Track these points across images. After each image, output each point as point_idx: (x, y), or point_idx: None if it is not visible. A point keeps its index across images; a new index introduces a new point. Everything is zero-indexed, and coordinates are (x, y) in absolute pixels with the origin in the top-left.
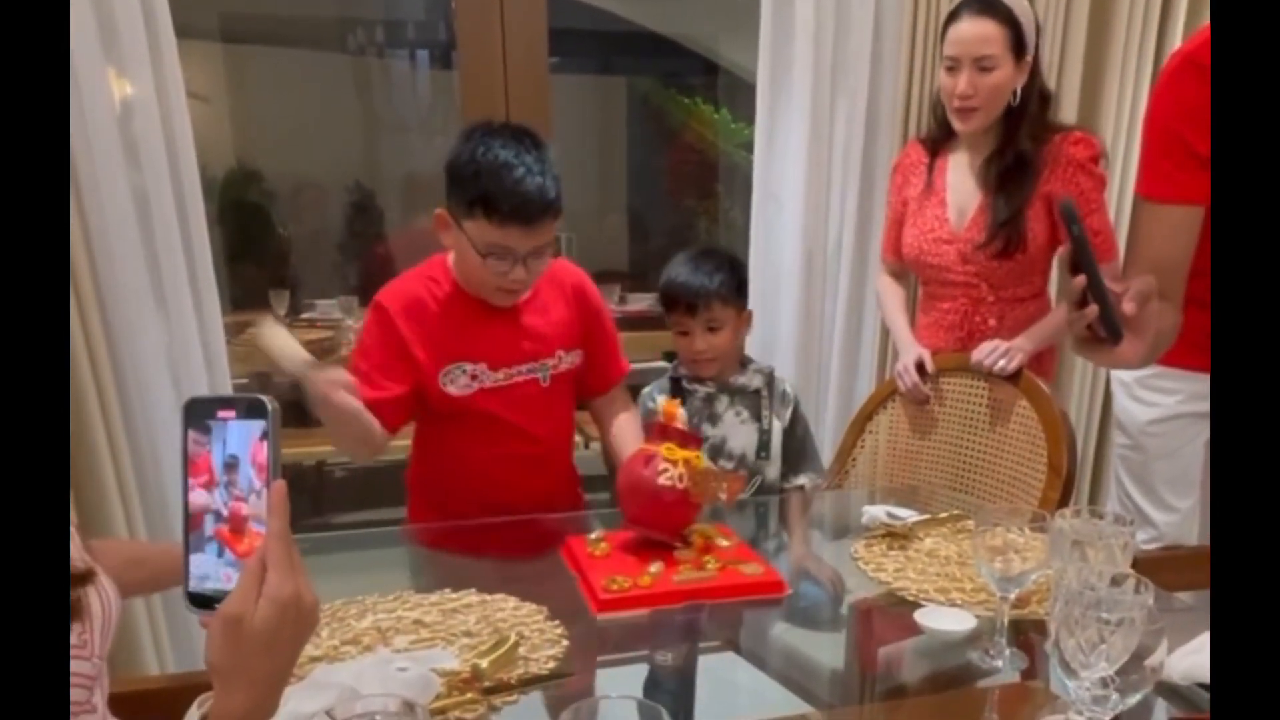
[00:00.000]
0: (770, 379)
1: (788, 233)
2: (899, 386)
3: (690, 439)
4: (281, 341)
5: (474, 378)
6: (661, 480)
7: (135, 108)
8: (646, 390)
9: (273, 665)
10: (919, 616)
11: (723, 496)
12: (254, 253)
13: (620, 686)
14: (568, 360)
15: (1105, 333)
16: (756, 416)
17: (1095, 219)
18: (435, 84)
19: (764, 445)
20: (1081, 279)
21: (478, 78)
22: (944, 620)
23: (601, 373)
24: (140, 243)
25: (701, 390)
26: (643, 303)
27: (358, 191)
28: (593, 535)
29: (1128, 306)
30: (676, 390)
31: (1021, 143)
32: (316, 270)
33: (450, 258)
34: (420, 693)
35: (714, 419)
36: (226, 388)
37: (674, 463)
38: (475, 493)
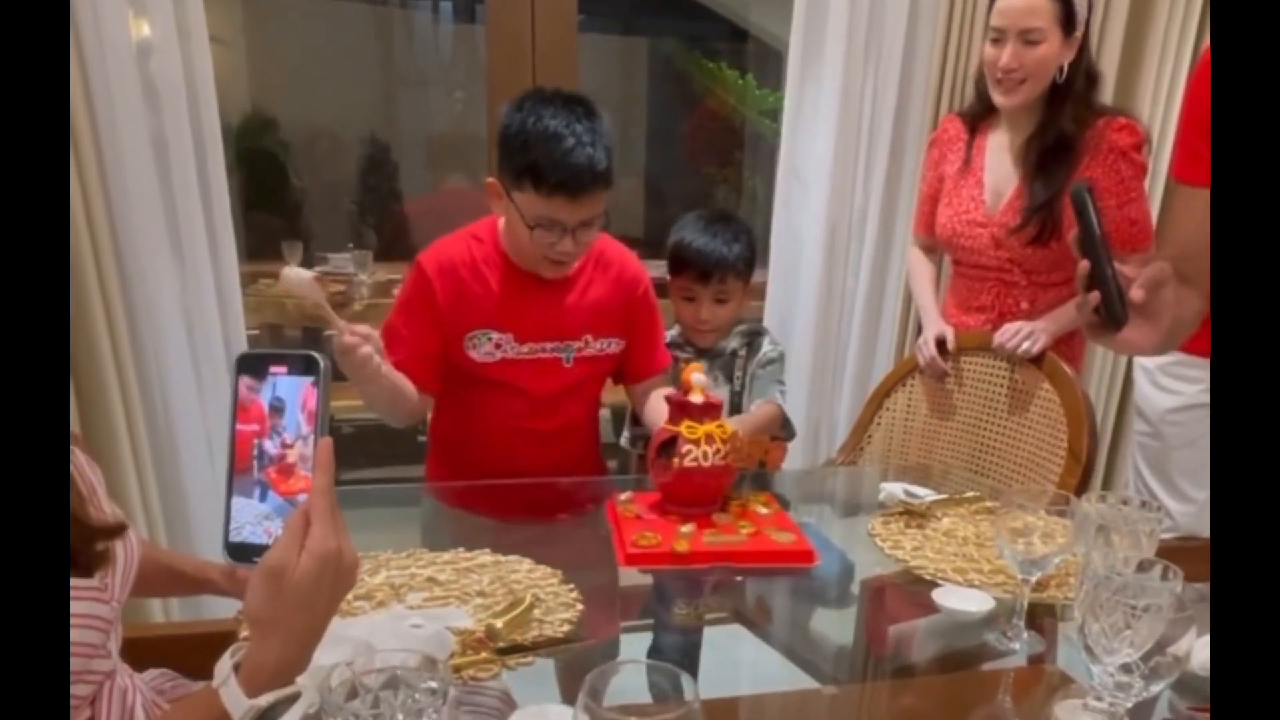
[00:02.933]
0: (752, 339)
1: (812, 206)
2: (918, 359)
3: (708, 409)
4: (308, 287)
5: (498, 346)
6: (686, 463)
7: (154, 48)
8: None
9: (310, 619)
10: (937, 596)
11: (763, 463)
12: (268, 202)
13: (625, 653)
14: (596, 346)
15: (1106, 319)
16: (730, 378)
17: (1132, 208)
18: (458, 37)
19: (735, 408)
20: (1086, 264)
21: (505, 32)
22: (962, 600)
23: (641, 364)
24: (158, 187)
25: (682, 356)
26: (659, 270)
27: (373, 144)
28: (623, 496)
29: (1135, 293)
30: (673, 360)
31: (1064, 123)
32: (330, 223)
33: (500, 222)
34: (436, 650)
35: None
36: (240, 337)
37: (695, 442)
38: (491, 459)
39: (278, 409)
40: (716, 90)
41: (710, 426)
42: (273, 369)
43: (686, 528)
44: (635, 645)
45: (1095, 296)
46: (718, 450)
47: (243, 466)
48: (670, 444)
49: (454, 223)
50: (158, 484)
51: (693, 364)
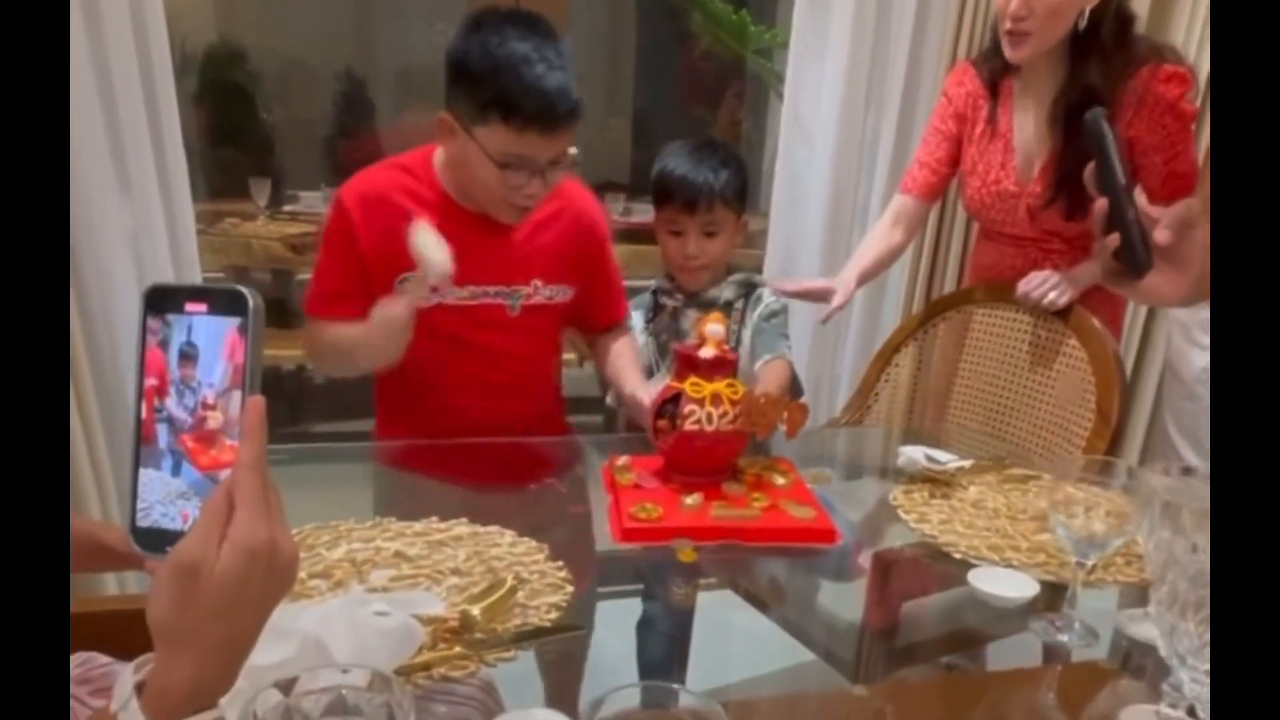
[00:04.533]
0: (749, 288)
1: (817, 152)
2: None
3: (718, 365)
4: (433, 251)
5: (434, 289)
6: (689, 425)
7: None
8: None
9: (233, 630)
10: (974, 579)
11: (782, 428)
12: (235, 137)
13: (610, 625)
14: (545, 293)
15: (1127, 265)
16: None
17: (1179, 161)
18: None
19: None
20: (1103, 202)
21: None
22: (1002, 584)
23: (598, 314)
24: (103, 121)
25: (670, 304)
26: (647, 214)
27: (348, 79)
28: (620, 461)
29: (1160, 235)
30: (657, 308)
31: (1091, 77)
32: (301, 160)
33: (437, 158)
34: (400, 644)
35: (680, 335)
36: (196, 280)
37: (700, 402)
38: (440, 413)
39: (190, 356)
40: (710, 26)
41: (719, 385)
42: (189, 307)
43: (691, 499)
44: (614, 614)
45: (1114, 239)
46: (725, 413)
47: (151, 430)
48: (674, 403)
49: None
50: (108, 443)
51: (714, 313)
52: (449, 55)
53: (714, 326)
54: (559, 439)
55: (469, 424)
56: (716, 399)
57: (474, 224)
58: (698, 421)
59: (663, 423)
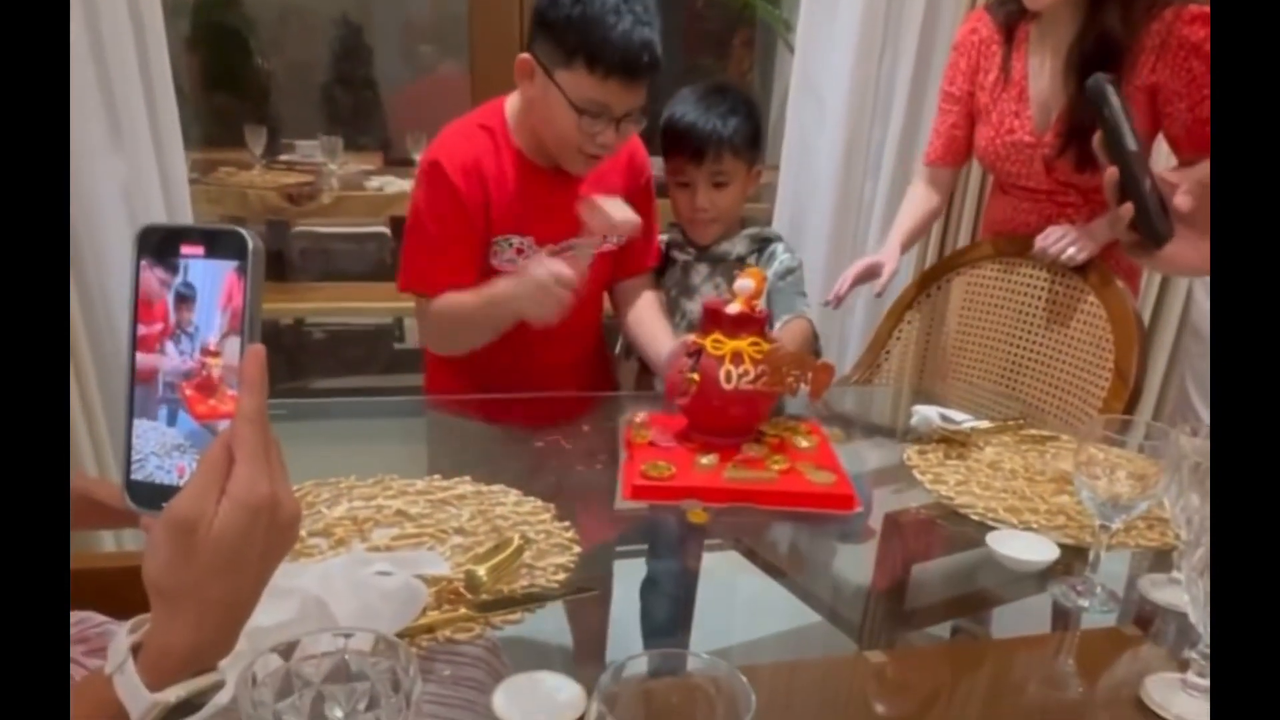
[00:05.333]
0: (762, 245)
1: (828, 100)
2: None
3: (744, 322)
4: (621, 210)
5: (520, 251)
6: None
7: None
8: None
9: (233, 589)
10: (992, 542)
11: (805, 388)
12: (230, 84)
13: (616, 586)
14: (614, 238)
15: (1144, 235)
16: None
17: (1204, 107)
18: None
19: None
20: (1114, 171)
21: None
22: (1021, 548)
23: (633, 258)
24: (92, 67)
25: (680, 258)
26: (654, 169)
27: (345, 26)
28: (638, 419)
29: (1181, 200)
30: (667, 262)
31: (1109, 21)
32: (298, 108)
33: (509, 108)
34: (404, 605)
35: (689, 291)
36: None
37: (719, 359)
38: (497, 363)
39: (187, 298)
40: None
41: (742, 342)
42: (185, 249)
43: (707, 459)
44: (627, 576)
45: (1128, 209)
46: (745, 372)
47: (146, 378)
48: (694, 358)
49: (436, 111)
50: (101, 393)
51: (750, 269)
52: (541, 1)
53: (744, 282)
54: (596, 395)
55: (520, 372)
56: (737, 357)
57: (548, 180)
58: (717, 380)
59: (683, 378)
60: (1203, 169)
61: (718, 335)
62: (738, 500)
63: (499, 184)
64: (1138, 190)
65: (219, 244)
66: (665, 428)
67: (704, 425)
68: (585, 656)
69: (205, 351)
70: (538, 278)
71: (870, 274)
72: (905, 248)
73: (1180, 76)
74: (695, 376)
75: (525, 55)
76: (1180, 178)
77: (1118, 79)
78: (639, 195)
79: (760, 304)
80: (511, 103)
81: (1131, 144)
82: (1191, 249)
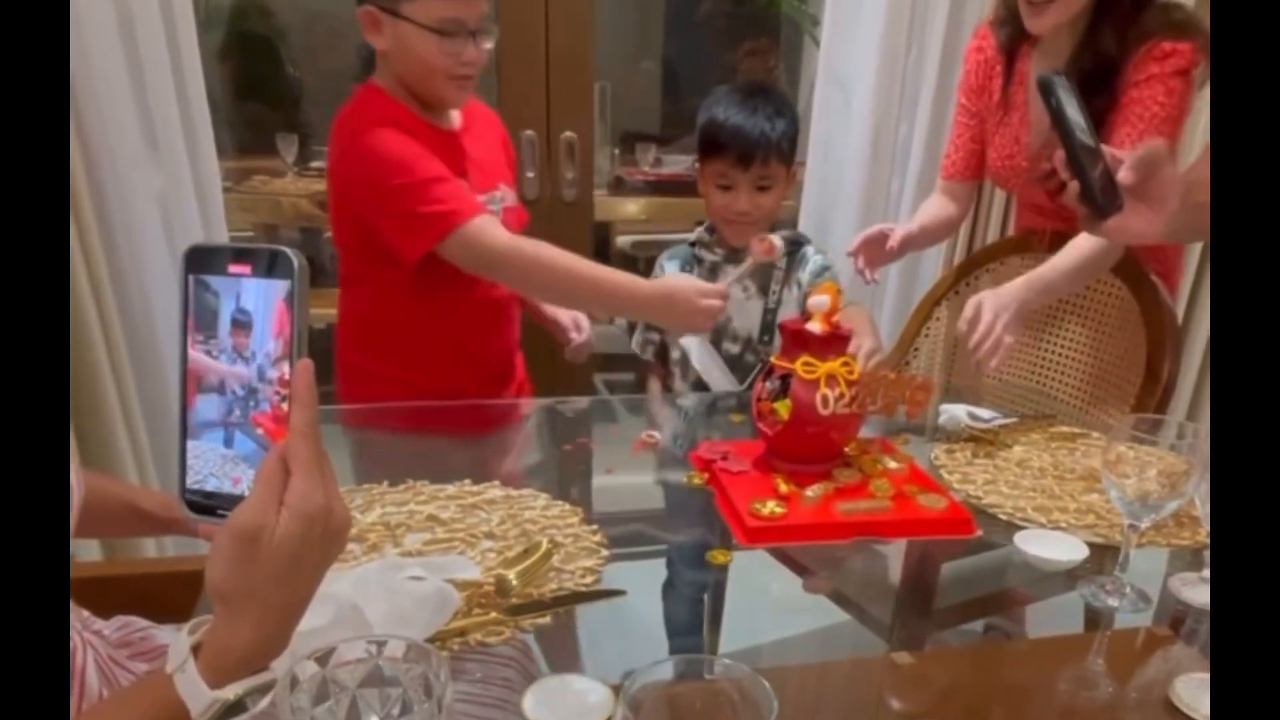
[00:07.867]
0: (794, 246)
1: (854, 97)
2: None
3: (833, 342)
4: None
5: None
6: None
7: None
8: (659, 260)
9: (291, 593)
10: (1020, 541)
11: (903, 408)
12: (261, 93)
13: (634, 586)
14: (511, 197)
15: (1089, 207)
16: (765, 291)
17: (1158, 130)
18: None
19: (767, 327)
20: (1061, 154)
21: None
22: (1050, 547)
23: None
24: (128, 78)
25: (709, 258)
26: (678, 165)
27: None
28: (720, 453)
29: (1123, 175)
30: (695, 262)
31: (1104, 44)
32: (328, 115)
33: (378, 82)
34: (436, 610)
35: None
36: (223, 239)
37: (814, 384)
38: (438, 347)
39: (242, 323)
40: None
41: (834, 364)
42: (233, 269)
43: (813, 491)
44: (637, 576)
45: (1075, 187)
46: (841, 395)
47: (202, 398)
48: (783, 385)
49: None
50: (142, 408)
51: (826, 283)
52: None
53: (819, 298)
54: (595, 399)
55: (469, 352)
56: (832, 380)
57: (438, 136)
58: (812, 406)
59: (768, 405)
60: (1147, 146)
61: (807, 358)
62: (859, 534)
63: (415, 136)
64: (1081, 170)
65: (265, 264)
66: (743, 454)
67: (792, 453)
68: (613, 659)
69: (256, 370)
70: (693, 303)
71: (878, 240)
72: (919, 240)
73: (1136, 105)
74: (784, 405)
75: (364, 8)
76: (1126, 155)
77: (1061, 70)
78: (510, 150)
79: (791, 303)
80: (377, 77)
81: (1077, 130)
82: (1140, 218)
